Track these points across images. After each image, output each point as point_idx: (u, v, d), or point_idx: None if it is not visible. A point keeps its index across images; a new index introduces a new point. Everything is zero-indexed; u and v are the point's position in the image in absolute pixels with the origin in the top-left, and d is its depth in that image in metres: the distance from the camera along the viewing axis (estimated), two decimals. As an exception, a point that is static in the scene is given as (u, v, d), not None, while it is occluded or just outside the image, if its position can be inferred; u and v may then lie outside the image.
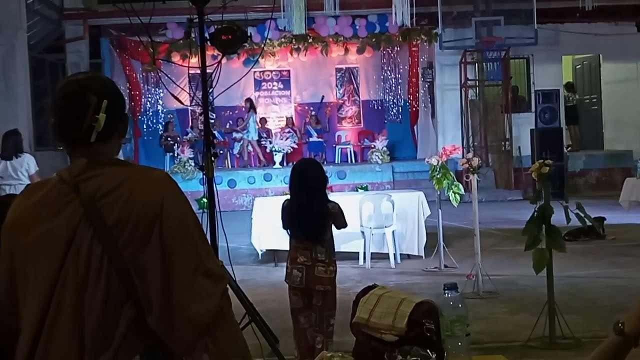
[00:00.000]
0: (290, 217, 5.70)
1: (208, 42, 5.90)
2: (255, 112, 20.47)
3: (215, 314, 2.23)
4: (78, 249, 2.17)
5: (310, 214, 5.58)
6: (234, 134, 20.55)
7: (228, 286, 2.35)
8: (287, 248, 5.84)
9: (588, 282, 9.06)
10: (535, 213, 6.58)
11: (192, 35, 6.10)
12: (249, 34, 6.33)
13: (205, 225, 5.76)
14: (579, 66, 22.08)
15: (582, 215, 6.64)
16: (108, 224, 2.15)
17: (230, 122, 21.08)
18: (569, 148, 20.05)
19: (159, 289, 2.16)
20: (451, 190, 9.61)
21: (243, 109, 20.99)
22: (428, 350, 2.44)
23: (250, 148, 20.48)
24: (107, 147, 2.28)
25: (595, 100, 21.42)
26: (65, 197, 2.21)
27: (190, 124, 20.72)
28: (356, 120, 22.13)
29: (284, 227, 5.82)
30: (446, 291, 2.32)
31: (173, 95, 6.48)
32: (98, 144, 2.22)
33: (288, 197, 5.89)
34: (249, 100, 20.36)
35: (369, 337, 2.60)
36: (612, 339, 1.79)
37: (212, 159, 5.80)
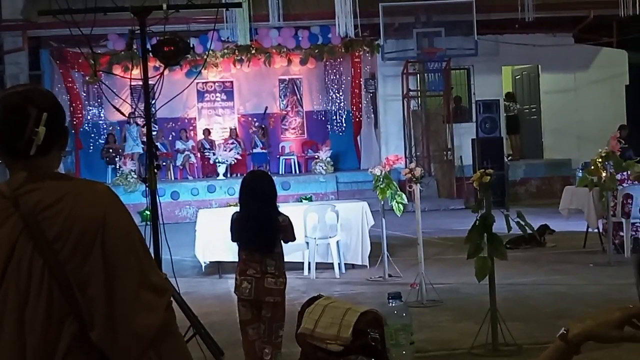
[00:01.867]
0: (241, 229, 5.68)
1: (150, 54, 5.87)
2: (137, 125, 19.79)
3: (160, 327, 2.21)
4: (18, 264, 2.14)
5: (261, 227, 5.56)
6: (177, 145, 20.40)
7: (172, 299, 2.34)
8: (232, 259, 5.83)
9: (530, 290, 9.20)
10: (477, 222, 6.67)
11: (134, 46, 6.06)
12: (191, 45, 6.32)
13: (149, 238, 5.72)
14: (519, 76, 22.46)
15: (523, 223, 6.75)
16: (49, 238, 2.13)
17: (173, 133, 20.95)
18: (510, 157, 20.35)
19: (102, 303, 2.14)
20: (394, 200, 9.68)
21: (190, 120, 20.89)
22: (373, 359, 2.46)
23: (193, 160, 20.37)
24: (48, 160, 2.25)
25: (534, 110, 21.79)
26: (4, 212, 2.17)
27: (123, 136, 20.48)
28: (300, 131, 22.17)
29: (233, 239, 5.79)
30: (390, 300, 2.33)
31: (115, 107, 6.42)
32: (38, 157, 2.19)
33: (237, 209, 5.87)
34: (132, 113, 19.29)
35: (314, 347, 2.60)
36: (556, 344, 1.82)
37: (155, 170, 5.76)
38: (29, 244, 2.14)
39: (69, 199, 2.17)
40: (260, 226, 5.55)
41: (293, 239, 5.77)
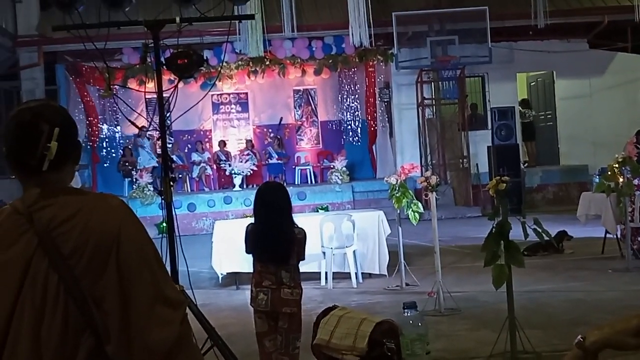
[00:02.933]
0: (256, 240, 5.67)
1: (164, 67, 5.89)
2: (148, 138, 19.96)
3: (175, 340, 2.22)
4: (34, 280, 2.15)
5: (276, 238, 5.54)
6: (193, 157, 20.45)
7: (189, 311, 2.35)
8: (248, 270, 5.81)
9: (548, 297, 9.15)
10: (494, 229, 6.64)
11: (148, 60, 6.08)
12: (205, 58, 6.34)
13: (165, 250, 5.73)
14: (534, 83, 22.40)
15: (540, 230, 6.72)
16: (64, 253, 2.13)
17: (189, 145, 21.02)
18: (526, 164, 20.28)
19: (118, 318, 2.14)
20: (410, 209, 9.67)
21: (206, 132, 20.98)
22: (389, 370, 2.45)
23: (209, 171, 20.42)
24: (61, 175, 2.26)
25: (550, 116, 21.72)
26: (19, 228, 2.19)
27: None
28: (315, 141, 22.18)
29: (247, 251, 5.78)
30: (405, 310, 2.33)
31: (130, 120, 6.45)
32: (51, 173, 2.20)
33: (251, 220, 5.86)
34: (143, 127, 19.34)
35: (330, 358, 2.60)
36: (573, 352, 1.81)
37: (171, 183, 5.77)
38: (44, 260, 2.15)
39: (83, 214, 2.18)
40: (275, 238, 5.54)
41: (302, 257, 5.69)
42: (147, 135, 19.57)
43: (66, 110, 2.37)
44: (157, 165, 19.53)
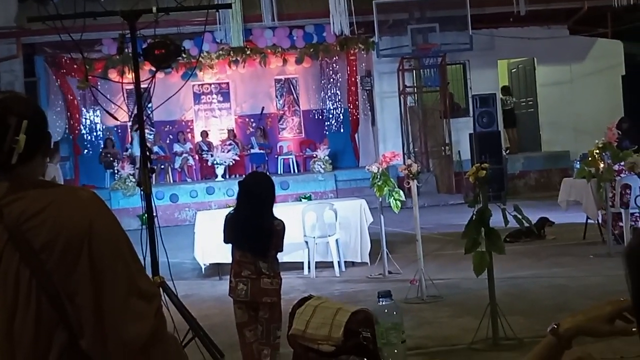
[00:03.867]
0: (235, 230, 5.66)
1: (142, 57, 5.86)
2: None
3: (150, 333, 2.20)
4: (5, 275, 2.13)
5: (257, 228, 5.54)
6: (175, 148, 20.39)
7: (170, 302, 2.33)
8: (230, 261, 5.80)
9: (530, 283, 9.20)
10: (474, 216, 6.66)
11: (126, 50, 6.05)
12: (183, 48, 6.31)
13: (146, 241, 5.72)
14: (515, 70, 22.44)
15: (520, 217, 6.74)
16: (35, 248, 2.11)
17: (171, 136, 20.95)
18: (508, 151, 20.32)
19: (91, 312, 2.12)
20: (392, 197, 9.68)
21: (187, 122, 20.98)
22: (365, 359, 2.45)
23: (191, 161, 20.37)
24: (30, 169, 2.23)
25: (531, 102, 21.77)
26: (-12, 223, 2.16)
27: (129, 140, 20.49)
28: (297, 131, 22.17)
29: (225, 240, 5.78)
30: (380, 299, 2.33)
31: (108, 112, 6.43)
32: (20, 166, 2.17)
33: (231, 209, 5.85)
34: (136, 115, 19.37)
35: (306, 348, 2.60)
36: (548, 339, 1.82)
37: (150, 174, 5.75)
38: (15, 255, 2.12)
39: (54, 207, 2.15)
40: (254, 228, 5.53)
41: (281, 248, 5.70)
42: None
43: (34, 101, 2.34)
44: (147, 155, 19.53)
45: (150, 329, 2.19)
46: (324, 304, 2.62)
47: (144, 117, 6.04)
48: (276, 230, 5.58)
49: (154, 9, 5.78)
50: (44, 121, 2.30)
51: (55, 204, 2.16)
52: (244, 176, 6.39)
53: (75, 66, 18.35)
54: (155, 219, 5.85)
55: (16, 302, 2.12)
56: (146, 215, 5.87)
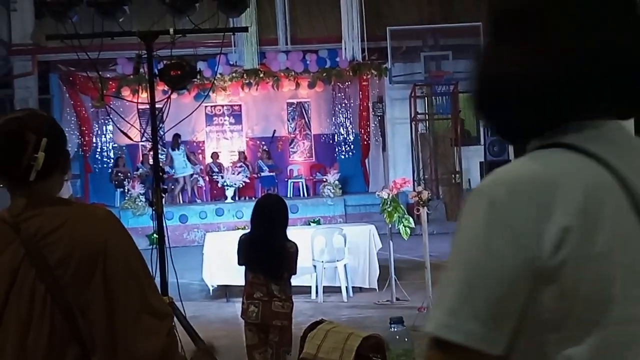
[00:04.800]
0: (248, 251, 5.67)
1: (157, 78, 5.89)
2: (179, 148, 20.13)
3: (161, 352, 2.21)
4: (20, 290, 2.15)
5: (269, 249, 5.55)
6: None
7: (178, 322, 2.34)
8: (239, 283, 5.81)
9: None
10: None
11: (141, 71, 6.09)
12: (198, 69, 6.35)
13: (155, 261, 5.72)
14: (527, 99, 22.42)
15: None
16: (50, 264, 2.13)
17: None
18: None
19: (103, 328, 2.14)
20: (402, 224, 9.67)
21: (199, 143, 21.05)
22: (376, 385, 2.45)
23: (201, 182, 20.40)
24: (48, 185, 2.25)
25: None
26: (5, 238, 2.18)
27: (140, 159, 20.56)
28: (308, 154, 22.19)
29: (240, 262, 5.78)
30: (392, 325, 2.33)
31: (121, 131, 6.45)
32: (38, 183, 2.20)
33: (243, 231, 5.87)
34: (176, 135, 19.86)
35: (317, 372, 2.60)
36: None
37: (162, 194, 5.77)
38: (31, 271, 2.15)
39: (70, 224, 2.17)
40: (268, 249, 5.54)
41: (294, 271, 5.71)
42: (180, 143, 19.90)
43: (54, 119, 2.37)
44: (192, 172, 19.75)
45: (161, 347, 2.20)
46: (336, 329, 2.62)
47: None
48: (289, 253, 5.58)
49: (171, 30, 5.82)
50: (64, 140, 2.33)
51: (72, 221, 2.19)
52: (254, 199, 6.42)
53: (89, 84, 18.42)
54: (165, 239, 5.86)
55: (31, 316, 2.14)
56: (156, 235, 5.88)
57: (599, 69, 1.35)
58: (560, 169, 1.35)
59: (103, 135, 21.13)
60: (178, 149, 19.92)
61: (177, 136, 19.56)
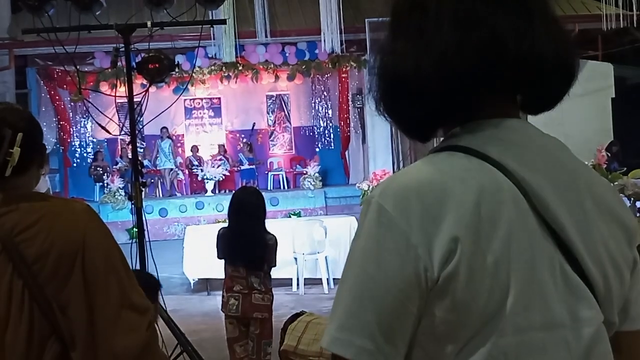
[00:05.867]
0: (228, 244, 5.67)
1: (135, 71, 5.87)
2: (170, 139, 20.28)
3: (142, 347, 2.21)
4: (-2, 286, 2.13)
5: (248, 242, 5.55)
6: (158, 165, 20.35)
7: (159, 317, 2.34)
8: (220, 276, 5.81)
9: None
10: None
11: (120, 64, 6.06)
12: (177, 62, 6.33)
13: (135, 255, 5.71)
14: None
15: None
16: (28, 260, 2.11)
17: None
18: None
19: (83, 324, 2.13)
20: (382, 215, 9.68)
21: (178, 137, 21.00)
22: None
23: (181, 176, 20.34)
24: (24, 180, 2.23)
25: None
26: (-19, 234, 2.16)
27: (119, 153, 20.47)
28: (288, 147, 22.18)
29: (219, 256, 5.77)
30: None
31: (100, 125, 6.41)
32: (14, 178, 2.18)
33: (223, 225, 5.86)
34: (163, 128, 20.05)
35: (297, 364, 2.60)
36: None
37: (141, 188, 5.75)
38: (8, 267, 2.13)
39: (47, 220, 2.16)
40: (247, 242, 5.54)
41: (274, 263, 5.71)
42: (169, 137, 19.96)
43: (30, 114, 2.35)
44: (173, 167, 19.76)
45: (141, 342, 2.19)
46: (316, 320, 2.63)
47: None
48: (268, 245, 5.59)
49: (149, 23, 5.79)
50: (40, 133, 2.31)
51: (49, 216, 2.17)
52: (233, 192, 6.41)
53: (67, 78, 18.32)
54: (145, 233, 5.85)
55: (9, 313, 2.12)
56: (136, 229, 5.87)
57: (484, 63, 1.30)
58: (452, 175, 1.30)
59: (82, 130, 21.01)
60: (165, 141, 20.05)
61: (164, 129, 19.68)
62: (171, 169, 20.10)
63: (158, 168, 19.88)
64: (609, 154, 12.69)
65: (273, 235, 5.68)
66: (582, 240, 1.30)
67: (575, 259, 1.29)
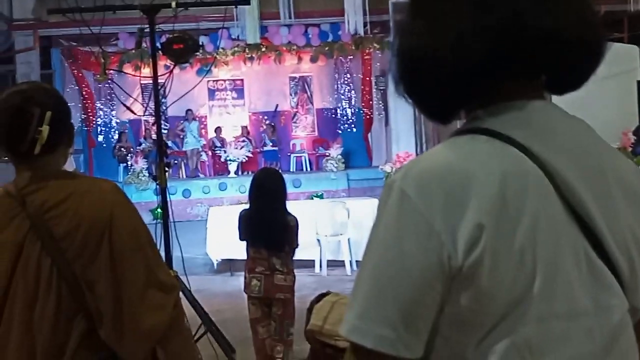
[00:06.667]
0: (249, 226, 5.67)
1: (160, 52, 5.87)
2: (195, 120, 20.45)
3: (168, 324, 2.22)
4: (26, 263, 2.15)
5: (269, 223, 5.56)
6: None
7: (183, 296, 2.35)
8: (243, 257, 5.82)
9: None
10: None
11: (144, 45, 6.06)
12: (200, 43, 6.32)
13: (160, 236, 5.73)
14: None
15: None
16: (56, 237, 2.13)
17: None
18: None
19: (110, 301, 2.15)
20: (405, 197, 9.66)
21: (201, 118, 21.07)
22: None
23: (204, 157, 20.40)
24: (53, 159, 2.25)
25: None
26: (11, 212, 2.18)
27: (143, 134, 20.55)
28: (310, 129, 22.16)
29: (241, 238, 5.78)
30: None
31: (125, 105, 6.44)
32: (43, 156, 2.19)
33: (245, 207, 5.87)
34: (189, 110, 20.19)
35: (323, 344, 2.61)
36: None
37: (166, 168, 5.77)
38: (37, 244, 2.15)
39: (75, 197, 2.17)
40: (268, 223, 5.54)
41: (296, 245, 5.69)
42: (194, 117, 20.13)
43: (58, 92, 2.36)
44: (200, 149, 19.88)
45: (168, 320, 2.21)
46: (342, 300, 2.63)
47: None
48: (289, 226, 5.58)
49: (174, 4, 5.79)
50: (68, 112, 2.32)
51: (77, 194, 2.18)
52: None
53: (91, 59, 18.36)
54: (170, 214, 5.87)
55: (37, 290, 2.14)
56: (160, 209, 5.89)
57: (504, 45, 1.26)
58: (475, 159, 1.26)
59: (106, 110, 21.10)
60: (193, 122, 20.17)
61: (189, 111, 19.96)
62: (198, 150, 20.17)
63: (184, 149, 19.92)
64: (636, 138, 12.55)
65: (294, 217, 5.67)
66: (608, 225, 1.27)
67: (601, 245, 1.26)
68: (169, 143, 18.69)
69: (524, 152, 1.26)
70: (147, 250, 2.23)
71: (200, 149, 20.30)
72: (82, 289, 2.14)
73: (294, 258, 5.79)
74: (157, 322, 2.19)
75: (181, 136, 20.42)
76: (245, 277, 5.67)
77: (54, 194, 2.17)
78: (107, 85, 18.86)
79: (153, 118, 6.04)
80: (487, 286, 1.20)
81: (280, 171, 6.26)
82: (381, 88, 20.85)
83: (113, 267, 2.14)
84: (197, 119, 20.57)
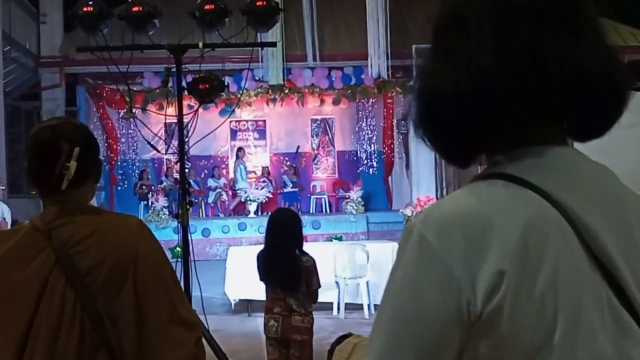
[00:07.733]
0: (264, 265, 5.67)
1: (185, 91, 5.93)
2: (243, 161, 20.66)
3: (189, 361, 2.22)
4: (51, 297, 2.16)
5: (283, 262, 5.55)
6: (209, 183, 20.51)
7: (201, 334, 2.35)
8: (261, 297, 5.81)
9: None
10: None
11: (169, 84, 6.13)
12: (226, 84, 6.38)
13: (179, 274, 5.73)
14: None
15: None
16: (81, 271, 2.15)
17: (206, 171, 21.07)
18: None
19: (133, 337, 2.15)
20: (425, 241, 9.62)
21: (223, 158, 21.20)
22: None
23: (224, 197, 20.45)
24: (80, 194, 2.27)
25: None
26: (37, 245, 2.20)
27: (165, 172, 20.66)
28: (331, 171, 22.20)
29: (260, 278, 5.78)
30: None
31: (149, 143, 6.49)
32: (70, 191, 2.22)
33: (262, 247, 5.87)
34: (240, 149, 20.43)
35: (343, 386, 2.59)
36: None
37: (188, 207, 5.79)
38: (62, 278, 2.16)
39: (101, 232, 2.19)
40: (281, 262, 5.53)
41: (317, 285, 5.64)
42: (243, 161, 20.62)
43: (87, 128, 2.39)
44: (247, 187, 20.05)
45: (190, 357, 2.21)
46: (364, 342, 2.62)
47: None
48: (305, 267, 5.55)
49: (201, 44, 5.85)
50: (96, 149, 2.35)
51: (103, 229, 2.20)
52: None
53: (116, 97, 18.58)
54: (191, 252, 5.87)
55: (60, 324, 2.15)
56: (179, 248, 5.89)
57: (523, 88, 1.24)
58: (497, 205, 1.24)
59: (128, 148, 21.26)
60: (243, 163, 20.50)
61: (240, 150, 20.55)
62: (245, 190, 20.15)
63: (235, 190, 20.24)
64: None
65: (311, 257, 5.65)
66: (631, 271, 1.25)
67: (624, 292, 1.24)
68: (191, 181, 18.79)
69: (545, 198, 1.24)
70: (171, 287, 2.24)
71: (217, 188, 20.36)
72: (105, 323, 2.15)
73: (317, 299, 5.76)
74: (178, 358, 2.19)
75: (202, 175, 20.53)
76: (264, 318, 5.65)
77: (80, 229, 2.19)
78: (131, 123, 19.03)
79: (175, 157, 6.07)
80: (506, 334, 1.18)
81: (296, 211, 6.26)
82: (403, 131, 20.90)
83: (137, 303, 2.15)
84: (220, 158, 20.71)
